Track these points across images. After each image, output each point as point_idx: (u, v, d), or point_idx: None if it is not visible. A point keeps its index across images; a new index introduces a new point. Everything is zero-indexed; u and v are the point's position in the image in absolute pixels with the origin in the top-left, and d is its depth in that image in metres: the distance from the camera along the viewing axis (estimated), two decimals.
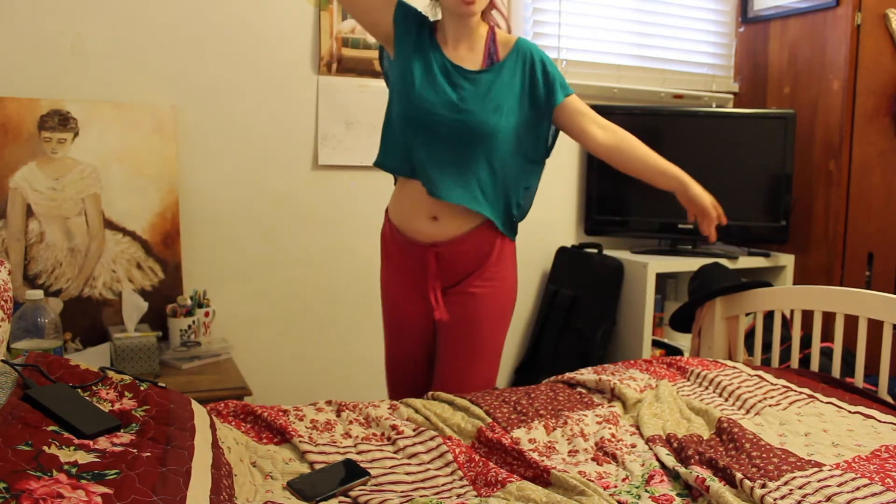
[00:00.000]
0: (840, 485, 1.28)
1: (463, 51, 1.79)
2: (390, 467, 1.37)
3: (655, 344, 2.90)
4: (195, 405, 1.35)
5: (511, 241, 1.89)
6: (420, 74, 1.75)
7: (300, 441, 1.42)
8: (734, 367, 1.96)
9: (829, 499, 1.23)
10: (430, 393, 1.73)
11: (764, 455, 1.41)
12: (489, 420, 1.57)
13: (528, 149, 1.82)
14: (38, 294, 1.81)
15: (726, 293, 2.27)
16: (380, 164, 1.86)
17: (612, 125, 1.85)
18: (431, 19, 1.84)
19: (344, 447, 1.44)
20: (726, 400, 1.79)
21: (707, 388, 1.86)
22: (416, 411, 1.59)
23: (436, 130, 1.74)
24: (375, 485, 1.31)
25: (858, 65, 2.83)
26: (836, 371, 2.02)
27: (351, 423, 1.54)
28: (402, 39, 1.78)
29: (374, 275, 2.04)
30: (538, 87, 1.80)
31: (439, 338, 1.90)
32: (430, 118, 1.74)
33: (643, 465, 1.42)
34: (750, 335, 2.40)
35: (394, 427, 1.50)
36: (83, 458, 1.04)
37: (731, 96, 3.30)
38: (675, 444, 1.48)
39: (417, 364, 1.98)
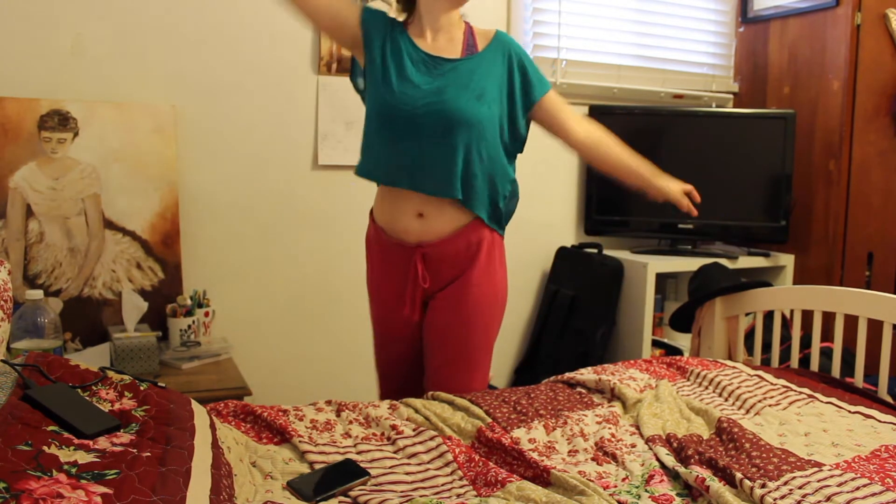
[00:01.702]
0: (840, 485, 1.28)
1: (442, 42, 1.77)
2: (390, 467, 1.37)
3: (655, 344, 2.90)
4: (195, 405, 1.35)
5: (500, 238, 1.86)
6: (396, 70, 1.73)
7: (300, 441, 1.42)
8: (734, 367, 1.96)
9: (828, 499, 1.23)
10: (430, 393, 1.72)
11: (764, 455, 1.41)
12: (489, 420, 1.57)
13: (507, 141, 1.80)
14: (37, 294, 1.81)
15: (726, 293, 2.27)
16: (361, 172, 1.81)
17: (589, 122, 1.87)
18: (399, 19, 1.82)
19: (344, 447, 1.44)
20: (726, 400, 1.79)
21: (707, 388, 1.86)
22: (416, 411, 1.59)
23: (418, 123, 1.70)
24: (375, 485, 1.31)
25: (858, 65, 2.83)
26: (835, 371, 2.02)
27: (351, 423, 1.54)
28: (374, 41, 1.76)
29: None
30: (516, 83, 1.79)
31: (428, 340, 1.87)
32: (411, 111, 1.70)
33: (643, 464, 1.42)
34: (750, 335, 2.40)
35: (394, 427, 1.50)
36: (83, 458, 1.04)
37: (731, 96, 3.30)
38: (674, 444, 1.48)
39: (408, 364, 1.96)
